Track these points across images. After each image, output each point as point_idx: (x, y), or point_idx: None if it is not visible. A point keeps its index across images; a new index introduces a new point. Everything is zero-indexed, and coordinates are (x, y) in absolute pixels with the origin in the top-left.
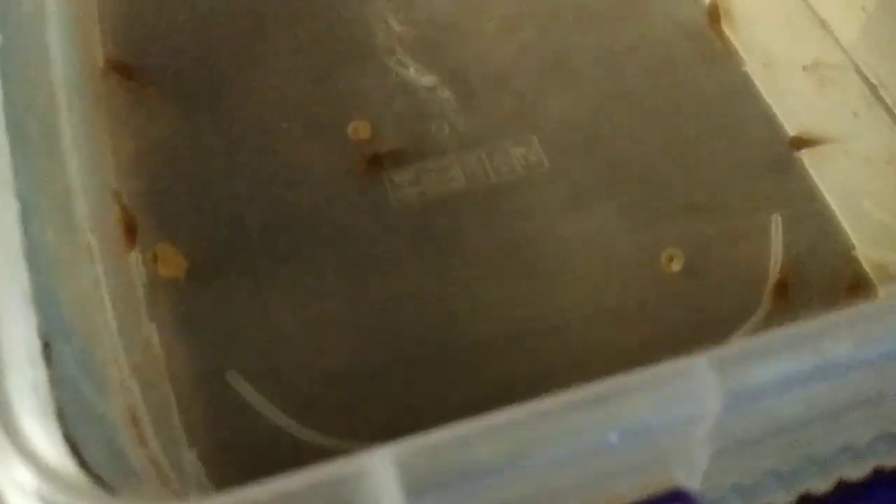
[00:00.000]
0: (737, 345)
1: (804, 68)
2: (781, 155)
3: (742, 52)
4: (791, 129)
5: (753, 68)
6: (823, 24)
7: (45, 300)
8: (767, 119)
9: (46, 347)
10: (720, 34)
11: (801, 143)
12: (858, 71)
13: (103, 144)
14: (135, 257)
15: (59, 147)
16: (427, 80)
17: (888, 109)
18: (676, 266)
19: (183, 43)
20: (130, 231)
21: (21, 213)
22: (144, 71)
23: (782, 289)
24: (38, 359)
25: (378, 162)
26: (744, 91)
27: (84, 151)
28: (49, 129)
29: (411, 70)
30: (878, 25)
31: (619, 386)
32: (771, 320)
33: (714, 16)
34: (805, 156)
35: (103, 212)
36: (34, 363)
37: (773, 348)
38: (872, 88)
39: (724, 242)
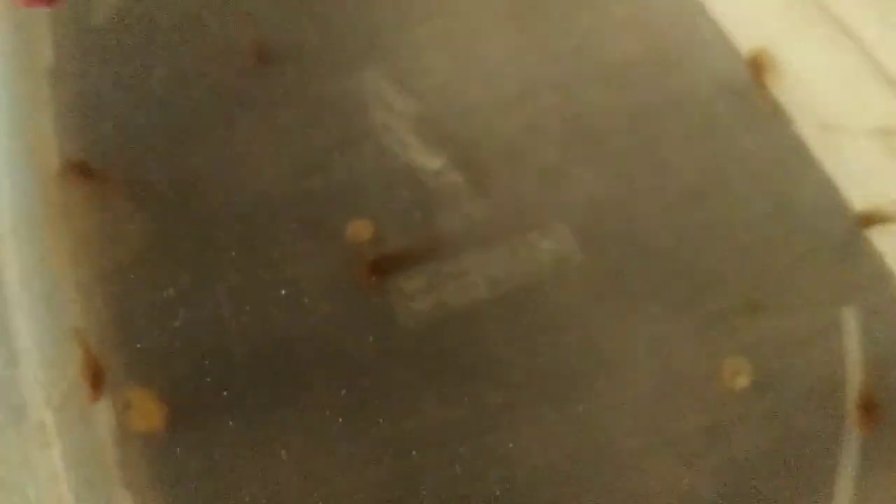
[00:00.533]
0: None
1: (871, 133)
2: (848, 235)
3: (794, 113)
4: (858, 204)
5: (807, 131)
6: (892, 82)
7: None
8: (828, 192)
9: None
10: (766, 92)
11: (871, 219)
12: None
13: (60, 270)
14: (103, 408)
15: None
16: (433, 161)
17: None
18: (743, 381)
19: (149, 136)
20: (96, 379)
21: None
22: (106, 171)
23: (868, 405)
24: None
25: (383, 268)
26: (797, 158)
27: (35, 288)
28: None
29: (414, 150)
30: None
31: None
32: (866, 450)
33: (758, 70)
34: (876, 235)
35: (62, 364)
36: None
37: None
38: None
39: (793, 347)
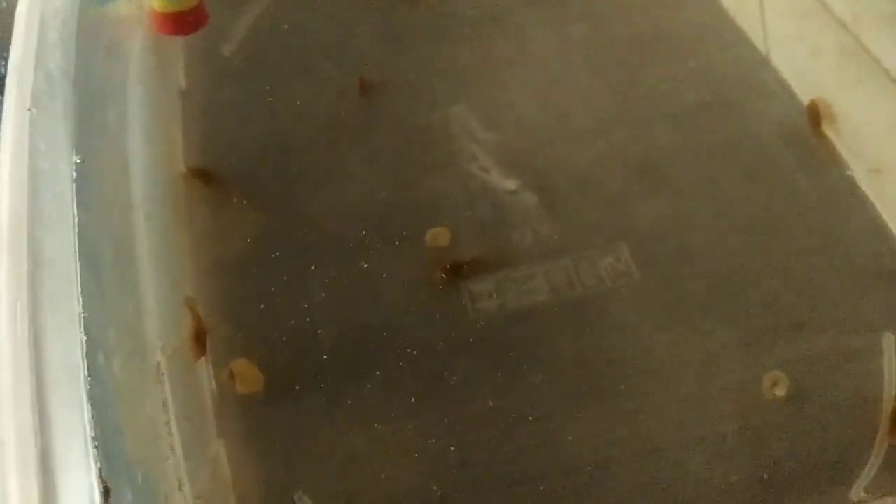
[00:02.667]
0: None
1: None
2: (892, 268)
3: (846, 157)
4: None
5: (859, 174)
6: None
7: (109, 439)
8: (877, 229)
9: (106, 494)
10: (822, 137)
11: None
12: None
13: (181, 253)
14: (205, 369)
15: (133, 265)
16: (509, 184)
17: None
18: (780, 391)
19: (263, 151)
20: (200, 340)
21: (87, 347)
22: (225, 178)
23: None
24: None
25: (457, 271)
26: (849, 198)
27: (160, 262)
28: (124, 248)
29: (493, 174)
30: None
31: None
32: (891, 458)
33: (815, 118)
34: None
35: (175, 324)
36: None
37: None
38: None
39: (832, 365)
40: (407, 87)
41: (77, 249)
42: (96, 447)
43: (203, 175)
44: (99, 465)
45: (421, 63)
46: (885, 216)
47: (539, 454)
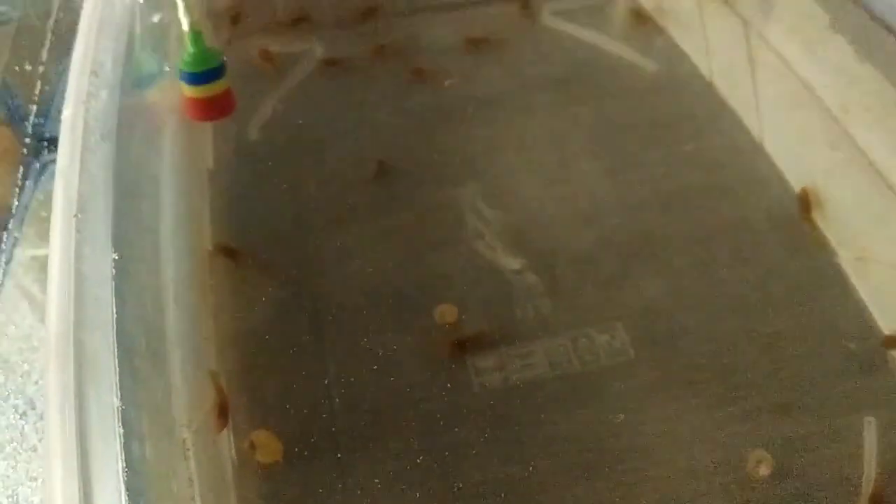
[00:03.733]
0: None
1: None
2: (874, 354)
3: (833, 244)
4: (885, 328)
5: (846, 261)
6: None
7: None
8: (860, 315)
9: None
10: (811, 224)
11: (895, 342)
12: None
13: (205, 328)
14: (226, 439)
15: (163, 348)
16: (514, 262)
17: None
18: (765, 470)
19: (282, 228)
20: (223, 412)
21: (124, 440)
22: (247, 255)
23: (879, 502)
24: None
25: (463, 346)
26: (835, 284)
27: (186, 339)
28: (155, 333)
29: (499, 252)
30: None
31: None
32: None
33: (805, 205)
34: None
35: (199, 398)
36: None
37: None
38: None
39: (814, 446)
40: (419, 167)
41: (115, 345)
42: None
43: (227, 252)
44: None
45: (432, 144)
46: (868, 302)
47: None
